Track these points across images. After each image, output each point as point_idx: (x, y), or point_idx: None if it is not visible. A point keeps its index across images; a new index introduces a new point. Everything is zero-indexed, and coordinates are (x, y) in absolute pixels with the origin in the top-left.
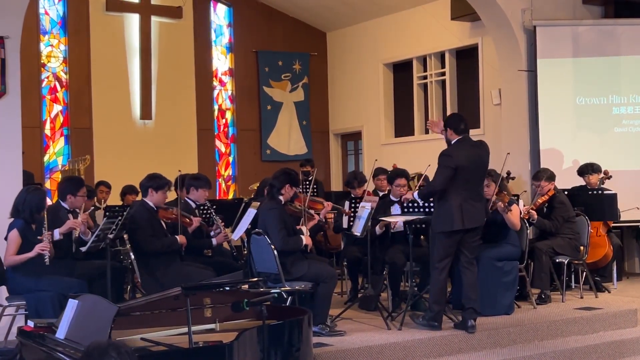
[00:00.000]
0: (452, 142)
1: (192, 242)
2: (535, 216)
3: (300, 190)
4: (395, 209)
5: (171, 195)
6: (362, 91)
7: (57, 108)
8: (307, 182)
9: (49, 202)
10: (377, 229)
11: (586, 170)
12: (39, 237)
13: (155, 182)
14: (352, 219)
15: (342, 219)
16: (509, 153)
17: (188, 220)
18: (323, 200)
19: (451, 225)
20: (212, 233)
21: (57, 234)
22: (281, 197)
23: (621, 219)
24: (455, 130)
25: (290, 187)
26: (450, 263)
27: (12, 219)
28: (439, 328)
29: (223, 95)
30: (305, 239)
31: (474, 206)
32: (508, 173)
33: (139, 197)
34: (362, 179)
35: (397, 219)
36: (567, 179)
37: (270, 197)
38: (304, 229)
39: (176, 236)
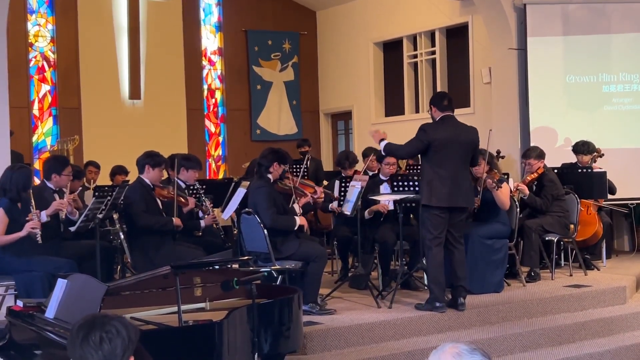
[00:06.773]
0: (436, 119)
1: (183, 222)
2: (527, 191)
3: (288, 169)
4: (385, 187)
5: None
6: (352, 70)
7: (45, 88)
8: (305, 162)
9: (36, 181)
10: (367, 214)
11: (581, 149)
12: (28, 216)
13: (152, 159)
14: (341, 202)
15: (331, 201)
16: (491, 130)
17: (183, 200)
18: (314, 185)
19: (421, 200)
20: (200, 214)
21: (44, 216)
22: (270, 176)
23: (616, 195)
24: (439, 108)
25: (279, 165)
26: (443, 241)
27: None
28: (444, 309)
29: (212, 74)
30: (300, 220)
31: (447, 186)
32: (498, 152)
33: (128, 177)
34: (353, 159)
35: (386, 198)
36: (557, 158)
37: (258, 176)
38: (296, 207)
39: (172, 217)
